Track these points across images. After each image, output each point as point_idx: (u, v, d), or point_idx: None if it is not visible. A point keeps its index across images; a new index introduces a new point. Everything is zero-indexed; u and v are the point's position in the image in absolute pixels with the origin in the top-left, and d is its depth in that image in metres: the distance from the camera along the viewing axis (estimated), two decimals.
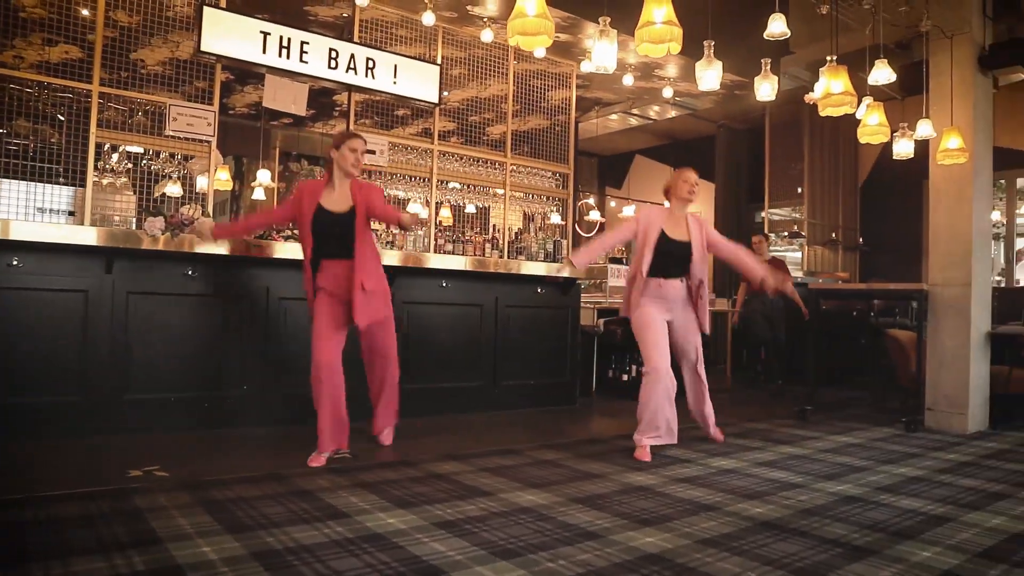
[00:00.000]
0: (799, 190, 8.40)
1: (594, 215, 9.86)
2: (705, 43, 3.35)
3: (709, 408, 4.27)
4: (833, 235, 8.47)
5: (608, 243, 4.33)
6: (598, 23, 3.03)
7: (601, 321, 7.00)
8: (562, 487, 3.12)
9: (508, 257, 5.70)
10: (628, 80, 6.39)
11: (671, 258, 4.00)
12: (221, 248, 4.00)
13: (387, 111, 5.62)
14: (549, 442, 4.16)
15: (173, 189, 5.45)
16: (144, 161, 4.29)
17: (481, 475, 3.31)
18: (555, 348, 5.74)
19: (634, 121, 9.30)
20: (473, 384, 5.28)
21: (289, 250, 4.24)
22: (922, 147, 4.86)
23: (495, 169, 5.89)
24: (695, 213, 4.24)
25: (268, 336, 4.37)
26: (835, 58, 3.64)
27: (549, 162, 6.15)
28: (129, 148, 4.37)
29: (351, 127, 5.06)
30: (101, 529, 2.35)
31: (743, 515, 2.75)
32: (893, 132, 4.54)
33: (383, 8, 5.13)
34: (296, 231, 3.98)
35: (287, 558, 2.15)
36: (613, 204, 11.45)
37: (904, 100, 7.20)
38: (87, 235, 3.74)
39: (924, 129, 4.45)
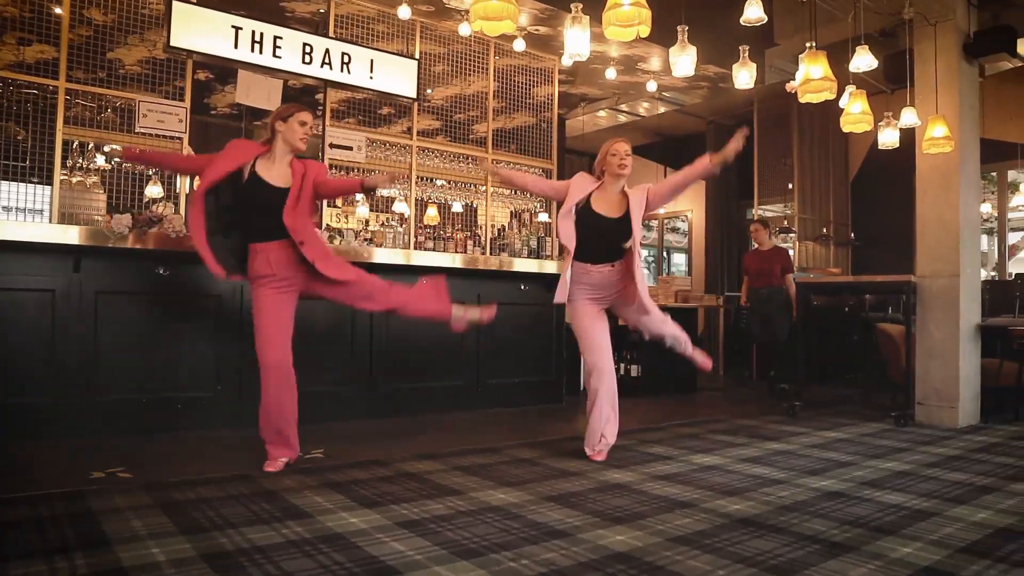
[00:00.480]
0: (789, 186, 8.32)
1: None
2: (679, 28, 3.28)
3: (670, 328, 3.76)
4: (824, 230, 8.40)
5: (529, 182, 3.87)
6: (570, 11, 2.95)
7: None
8: (536, 485, 3.04)
9: (491, 254, 5.62)
10: (611, 74, 6.31)
11: (597, 237, 3.47)
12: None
13: (371, 109, 5.55)
14: (528, 440, 4.08)
15: (154, 190, 5.37)
16: (114, 159, 4.20)
17: (454, 474, 3.22)
18: (540, 346, 5.66)
19: (623, 118, 9.23)
20: (456, 383, 5.19)
21: None
22: (911, 139, 4.78)
23: (478, 165, 5.81)
24: (643, 185, 3.62)
25: (243, 336, 4.28)
26: (814, 44, 3.56)
27: (532, 158, 6.07)
28: (104, 146, 4.29)
29: (326, 123, 4.97)
30: (48, 532, 2.26)
31: (719, 512, 2.67)
32: (878, 123, 4.46)
33: (360, 3, 5.05)
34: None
35: (238, 559, 2.06)
36: None
37: (893, 93, 7.12)
38: (54, 233, 3.66)
39: (909, 118, 4.38)
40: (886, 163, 7.12)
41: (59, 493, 2.71)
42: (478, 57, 5.81)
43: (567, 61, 5.83)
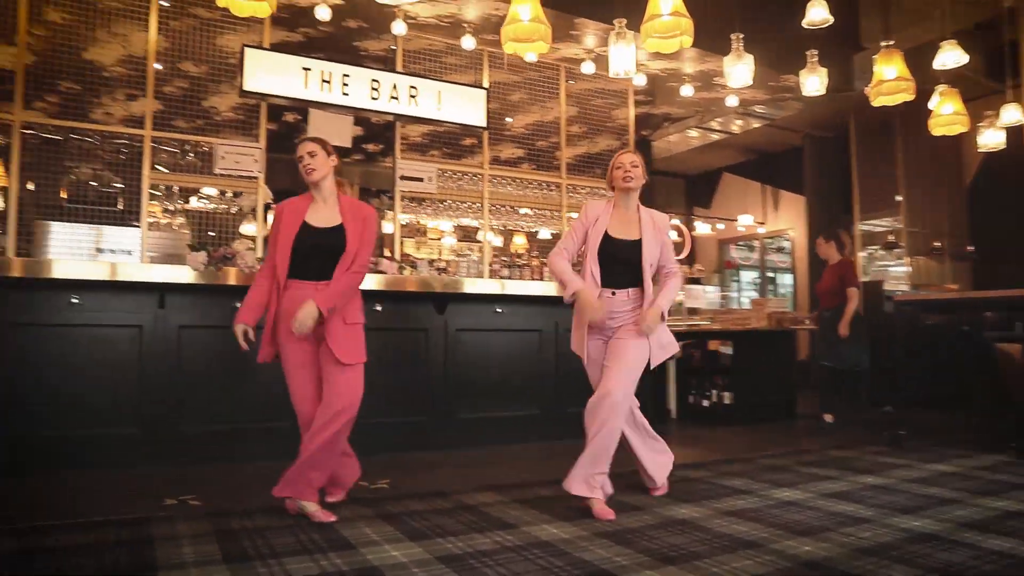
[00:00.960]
0: (896, 198, 7.76)
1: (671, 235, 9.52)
2: (733, 36, 3.11)
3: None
4: (937, 244, 7.75)
5: (572, 251, 3.28)
6: (613, 26, 2.87)
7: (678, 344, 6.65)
8: (592, 520, 2.90)
9: None
10: (687, 91, 6.12)
11: (617, 263, 3.17)
12: None
13: (453, 141, 5.64)
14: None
15: (249, 228, 5.67)
16: (197, 200, 4.45)
17: (512, 507, 3.13)
18: None
19: (715, 136, 8.97)
20: (533, 412, 5.10)
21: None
22: None
23: (554, 191, 5.77)
24: (665, 218, 3.31)
25: None
26: (891, 43, 3.29)
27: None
28: (186, 187, 4.56)
29: (396, 155, 5.08)
30: (104, 556, 2.35)
31: (786, 554, 2.44)
32: (979, 123, 4.07)
33: (428, 37, 5.16)
34: None
35: None
36: (698, 225, 11.05)
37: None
38: (141, 272, 3.89)
39: (1011, 115, 3.96)
40: (1008, 166, 6.49)
41: (129, 519, 2.83)
42: (552, 83, 5.80)
43: (635, 79, 5.71)
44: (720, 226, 11.31)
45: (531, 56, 4.22)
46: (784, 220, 10.68)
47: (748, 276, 11.91)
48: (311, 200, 3.07)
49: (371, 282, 4.34)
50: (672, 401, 6.50)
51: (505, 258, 5.60)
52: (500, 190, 5.57)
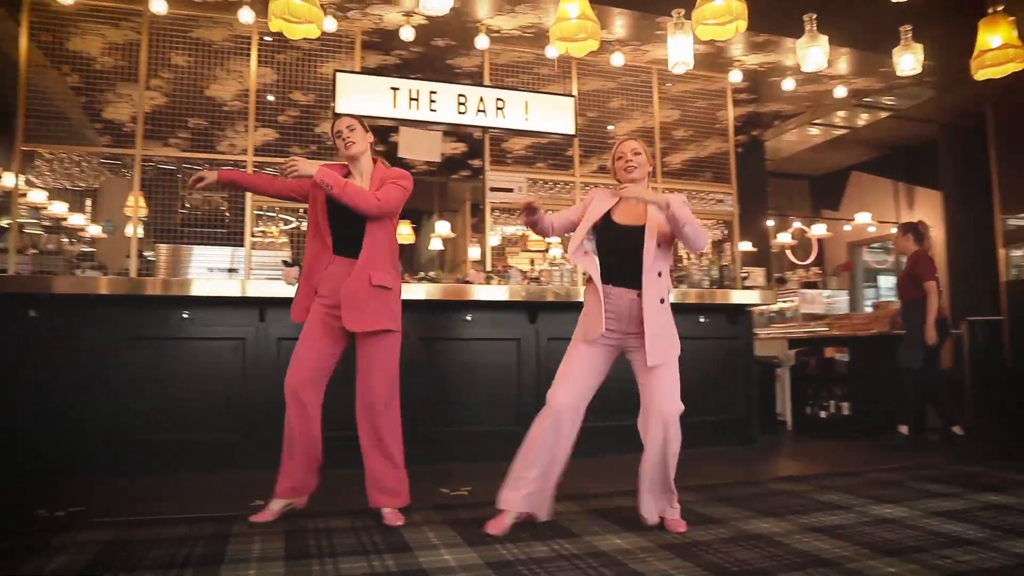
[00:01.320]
0: None
1: (783, 237, 9.07)
2: (806, 17, 2.91)
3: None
4: None
5: (562, 216, 2.97)
6: (671, 17, 2.77)
7: (792, 352, 6.28)
8: (663, 532, 2.78)
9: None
10: (789, 84, 5.80)
11: (620, 252, 2.83)
12: None
13: (558, 151, 5.66)
14: (684, 484, 3.74)
15: None
16: (295, 220, 4.72)
17: (585, 516, 3.07)
18: (724, 382, 5.23)
19: (839, 132, 8.42)
20: (629, 422, 4.96)
21: (449, 291, 4.37)
22: None
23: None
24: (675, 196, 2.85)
25: (415, 374, 4.49)
26: (1000, 8, 2.94)
27: (709, 183, 5.75)
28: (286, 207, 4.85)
29: (486, 167, 5.15)
30: (179, 550, 2.51)
31: (862, 575, 2.22)
32: None
33: (515, 49, 5.22)
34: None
35: None
36: (821, 227, 10.39)
37: None
38: (244, 288, 4.16)
39: None
40: None
41: (216, 517, 3.01)
42: (648, 87, 5.70)
43: (732, 76, 5.47)
44: (847, 227, 10.58)
45: (580, 53, 4.18)
46: (917, 217, 9.85)
47: (888, 281, 11.04)
48: (346, 172, 3.06)
49: (461, 293, 4.42)
50: (787, 411, 6.14)
51: None
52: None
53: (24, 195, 5.81)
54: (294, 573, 2.26)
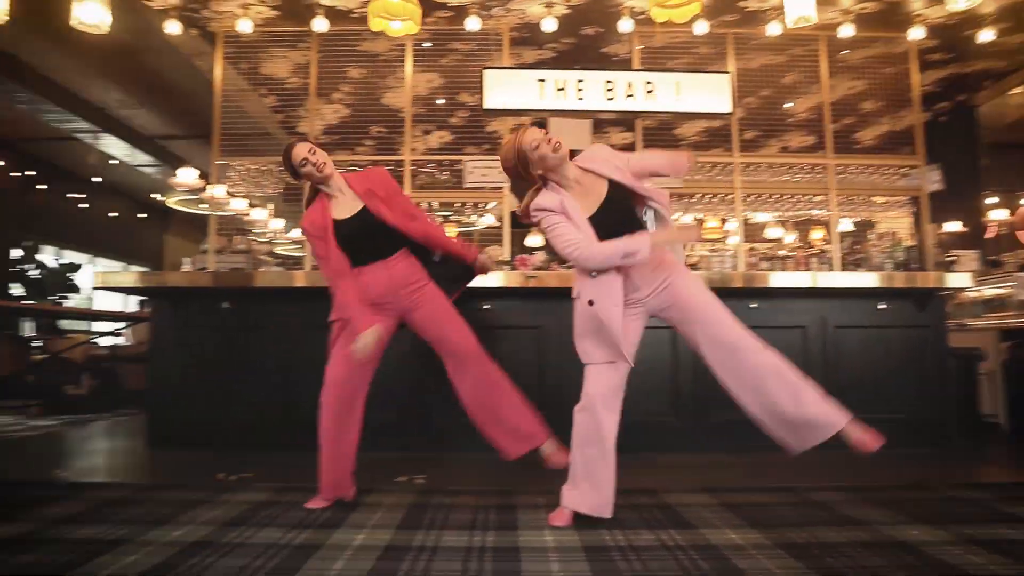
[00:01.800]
0: None
1: (996, 215, 7.90)
2: None
3: None
4: None
5: (587, 235, 2.67)
6: None
7: (1006, 345, 5.45)
8: (780, 527, 2.58)
9: (843, 270, 4.92)
10: (987, 36, 5.01)
11: (616, 226, 2.61)
12: None
13: (726, 136, 5.46)
14: (837, 485, 3.41)
15: (535, 240, 6.11)
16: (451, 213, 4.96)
17: (711, 509, 2.93)
18: (911, 376, 4.67)
19: None
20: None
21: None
22: None
23: (820, 175, 5.21)
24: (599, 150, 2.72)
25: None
26: None
27: (891, 156, 5.18)
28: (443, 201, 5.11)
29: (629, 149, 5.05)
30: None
31: None
32: None
33: (666, 31, 5.06)
34: None
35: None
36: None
37: None
38: None
39: None
40: None
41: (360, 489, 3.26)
42: (818, 57, 5.26)
43: (913, 32, 4.84)
44: None
45: (685, 19, 3.79)
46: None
47: None
48: (325, 199, 2.97)
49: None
50: (1001, 411, 5.34)
51: (766, 249, 5.19)
52: (757, 178, 5.19)
53: (227, 204, 6.67)
54: (400, 539, 2.41)
